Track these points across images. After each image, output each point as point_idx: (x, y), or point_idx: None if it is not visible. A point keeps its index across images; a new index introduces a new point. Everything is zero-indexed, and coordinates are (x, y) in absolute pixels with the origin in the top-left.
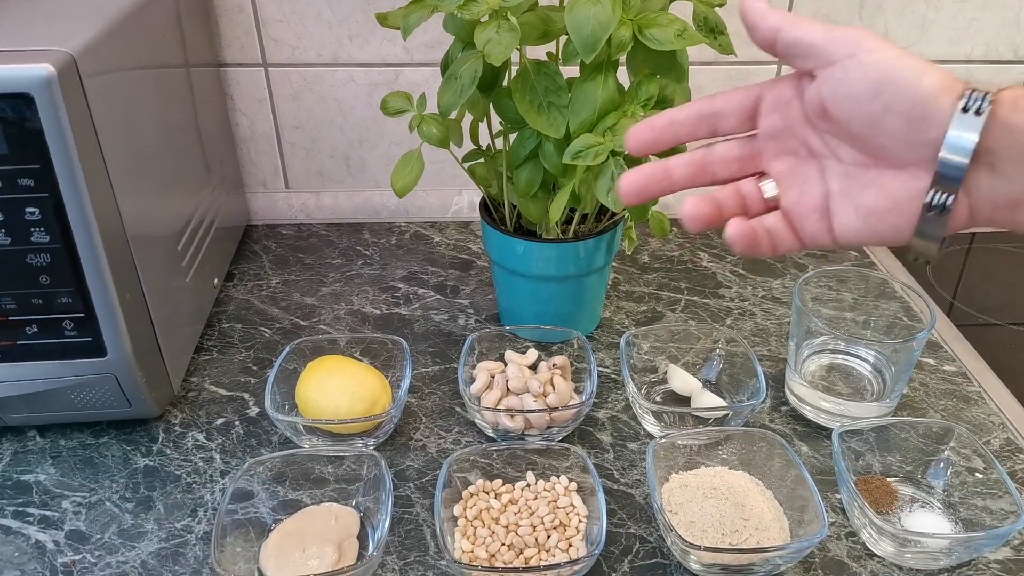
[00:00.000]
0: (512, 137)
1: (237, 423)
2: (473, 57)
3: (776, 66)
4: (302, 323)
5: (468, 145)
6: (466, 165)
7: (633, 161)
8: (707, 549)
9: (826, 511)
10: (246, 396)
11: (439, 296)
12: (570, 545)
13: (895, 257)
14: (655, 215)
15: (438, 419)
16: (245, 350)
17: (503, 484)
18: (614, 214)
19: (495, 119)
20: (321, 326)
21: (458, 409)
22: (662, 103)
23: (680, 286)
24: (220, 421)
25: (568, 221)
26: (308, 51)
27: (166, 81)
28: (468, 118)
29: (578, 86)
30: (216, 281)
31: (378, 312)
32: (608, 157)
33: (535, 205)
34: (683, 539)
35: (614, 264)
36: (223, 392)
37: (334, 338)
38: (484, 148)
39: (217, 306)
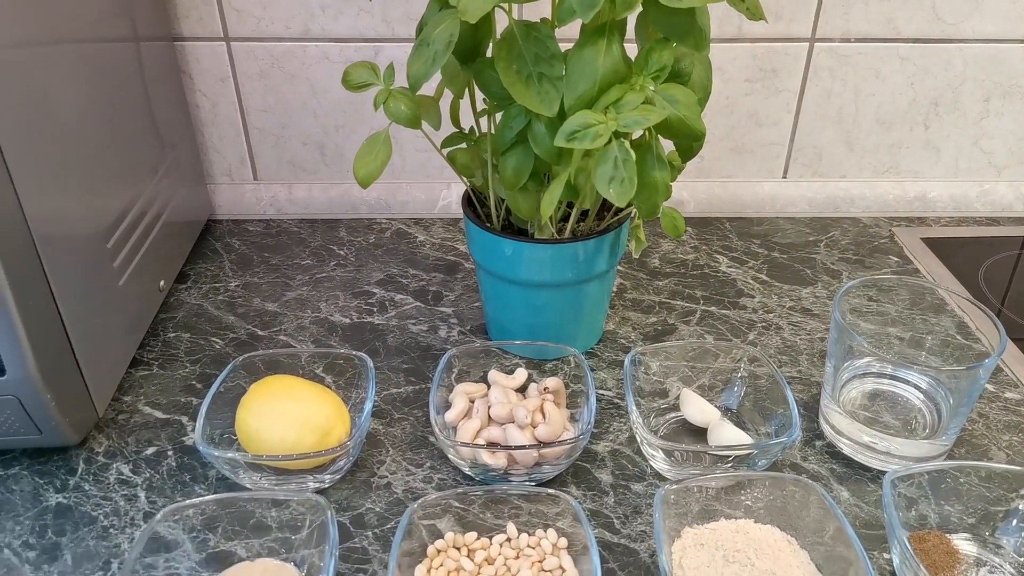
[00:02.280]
0: (498, 117)
1: (170, 453)
2: (449, 17)
3: (808, 44)
4: (260, 333)
5: (449, 128)
6: (445, 151)
7: (639, 145)
8: None
9: None
10: (184, 420)
11: (419, 303)
12: None
13: (943, 263)
14: (668, 212)
15: (407, 451)
16: (190, 364)
17: (478, 538)
18: (619, 210)
19: (480, 96)
20: (281, 336)
21: (432, 439)
22: (678, 77)
23: (695, 295)
24: (151, 450)
25: (565, 219)
26: (275, 23)
27: (102, 56)
28: (448, 96)
29: (575, 53)
30: (162, 283)
31: (348, 321)
32: (611, 139)
33: (525, 198)
34: None
35: (619, 268)
36: (159, 415)
37: (292, 352)
38: (467, 131)
39: (164, 312)
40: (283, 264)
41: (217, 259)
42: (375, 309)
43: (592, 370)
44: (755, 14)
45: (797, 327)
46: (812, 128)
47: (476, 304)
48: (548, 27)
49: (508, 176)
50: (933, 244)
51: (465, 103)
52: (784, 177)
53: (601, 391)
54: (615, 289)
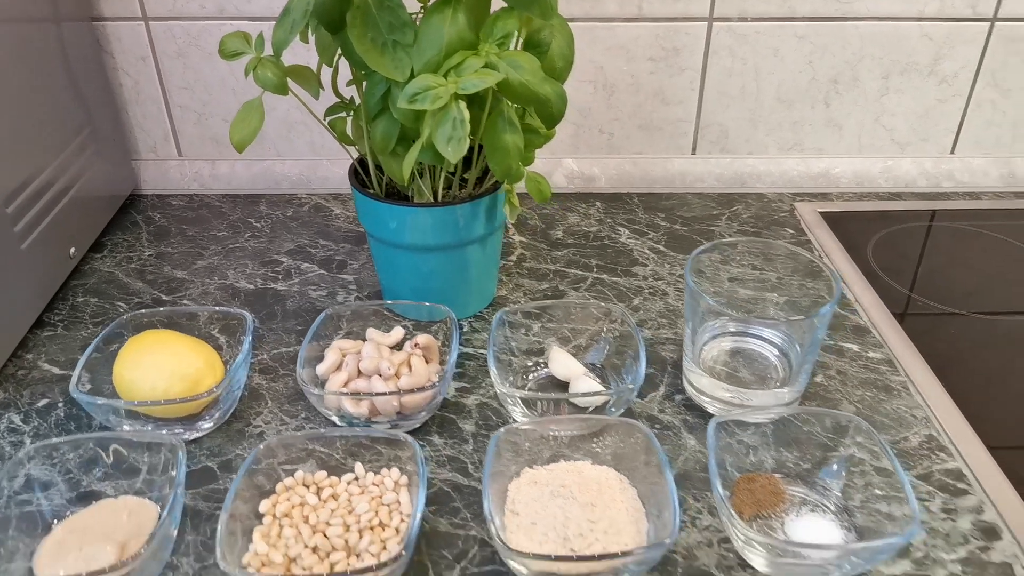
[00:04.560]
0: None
1: (60, 405)
2: None
3: (706, 23)
4: (164, 298)
5: (333, 98)
6: (327, 120)
7: (473, 103)
8: (520, 555)
9: (695, 504)
10: None
11: (323, 271)
12: (384, 547)
13: (835, 235)
14: (532, 177)
15: (286, 404)
16: (93, 326)
17: (327, 477)
18: (496, 180)
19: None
20: (184, 301)
21: None
22: (536, 47)
23: (591, 263)
24: (43, 402)
25: (450, 187)
26: (191, 2)
27: (17, 35)
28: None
29: (424, 22)
30: (73, 251)
31: (252, 287)
32: (450, 101)
33: (396, 163)
34: (504, 543)
35: (522, 240)
36: (55, 371)
37: (177, 311)
38: (348, 100)
39: (76, 278)
40: (199, 235)
41: (136, 231)
42: (280, 276)
43: (476, 331)
44: None
45: (682, 293)
46: (716, 106)
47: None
48: None
49: (378, 141)
50: (830, 218)
51: (347, 74)
52: (693, 154)
53: (482, 350)
54: (515, 259)
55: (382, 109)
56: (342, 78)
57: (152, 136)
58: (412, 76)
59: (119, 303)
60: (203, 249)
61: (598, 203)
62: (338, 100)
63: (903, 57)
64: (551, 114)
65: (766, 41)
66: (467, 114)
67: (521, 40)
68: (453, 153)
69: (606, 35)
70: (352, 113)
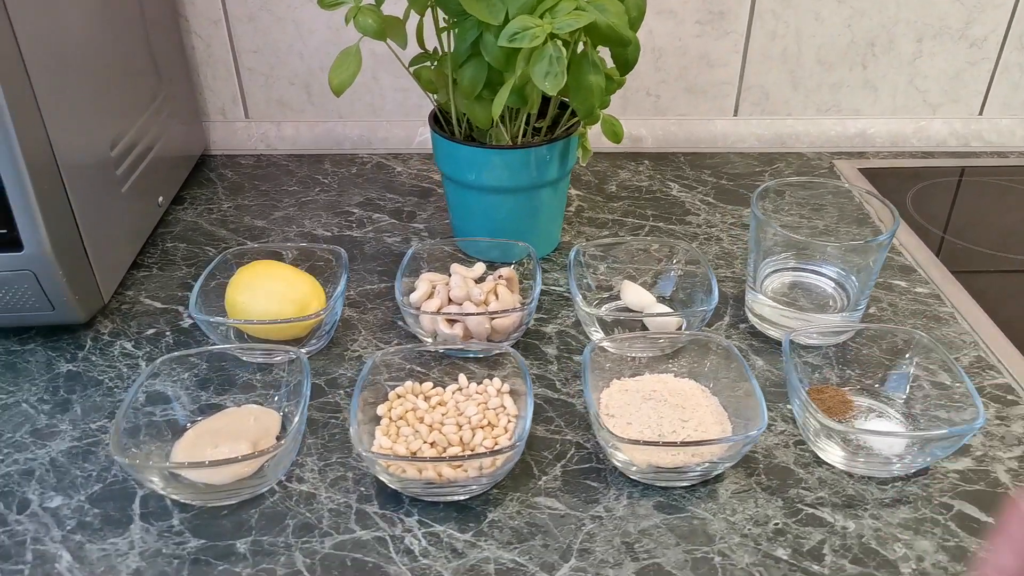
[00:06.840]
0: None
1: (168, 333)
2: None
3: None
4: (249, 243)
5: (415, 50)
6: (412, 69)
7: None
8: (631, 442)
9: (768, 414)
10: (181, 309)
11: (394, 220)
12: (496, 443)
13: (875, 189)
14: (607, 119)
15: (378, 332)
16: (186, 267)
17: (434, 387)
18: (570, 126)
19: (441, 16)
20: (269, 246)
21: (400, 323)
22: None
23: (646, 213)
24: (151, 331)
25: (523, 135)
26: None
27: (109, 4)
28: (418, 21)
29: None
30: (161, 200)
31: (329, 234)
32: (546, 40)
33: (481, 107)
34: (612, 433)
35: (578, 193)
36: (157, 305)
37: (276, 248)
38: (431, 52)
39: (163, 227)
40: (272, 190)
41: (211, 186)
42: (354, 225)
43: (545, 271)
44: None
45: (735, 238)
46: (759, 69)
47: (446, 221)
48: None
49: (465, 86)
50: (869, 173)
51: (429, 27)
52: (735, 115)
53: (554, 287)
54: (573, 209)
55: (471, 55)
56: (424, 31)
57: (221, 98)
58: (507, 20)
59: (207, 248)
60: (277, 202)
61: (646, 161)
62: (422, 51)
63: (935, 21)
64: (627, 59)
65: (808, 5)
66: (563, 51)
67: None
68: (551, 86)
69: None
70: (436, 62)
